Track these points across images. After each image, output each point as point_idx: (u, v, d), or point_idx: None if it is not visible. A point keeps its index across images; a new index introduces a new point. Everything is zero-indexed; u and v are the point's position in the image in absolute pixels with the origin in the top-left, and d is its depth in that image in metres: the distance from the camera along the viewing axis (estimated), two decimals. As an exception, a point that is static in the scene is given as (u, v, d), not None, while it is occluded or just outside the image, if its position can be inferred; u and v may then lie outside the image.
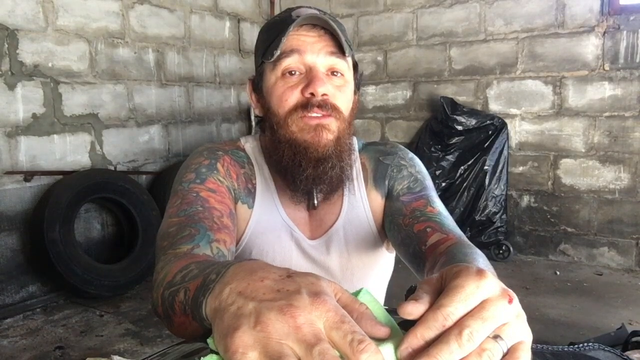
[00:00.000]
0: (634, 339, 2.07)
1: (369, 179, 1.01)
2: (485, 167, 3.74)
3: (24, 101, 3.00)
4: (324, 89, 0.85)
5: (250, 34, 4.48)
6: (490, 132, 3.76)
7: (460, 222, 3.66)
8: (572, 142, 3.63)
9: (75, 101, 3.26)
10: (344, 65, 0.89)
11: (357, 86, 0.96)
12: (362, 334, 0.37)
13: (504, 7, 3.75)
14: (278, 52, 0.86)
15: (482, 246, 3.55)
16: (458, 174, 3.82)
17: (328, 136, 0.87)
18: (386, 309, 0.44)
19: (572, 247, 3.71)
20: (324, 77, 0.86)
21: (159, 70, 3.77)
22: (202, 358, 0.41)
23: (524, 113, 3.77)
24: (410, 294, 0.44)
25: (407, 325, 0.40)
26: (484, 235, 3.76)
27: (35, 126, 3.07)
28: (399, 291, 0.60)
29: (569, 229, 3.71)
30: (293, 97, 0.87)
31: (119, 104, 3.52)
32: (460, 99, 3.94)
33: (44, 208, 2.93)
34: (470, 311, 0.39)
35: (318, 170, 0.88)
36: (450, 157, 3.86)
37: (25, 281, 3.07)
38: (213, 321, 0.43)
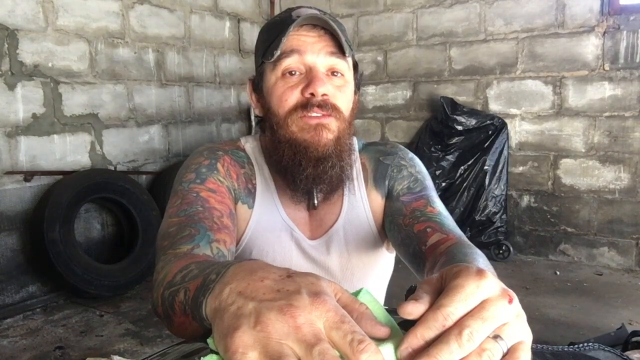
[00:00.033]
0: (634, 339, 2.07)
1: (369, 179, 1.01)
2: (485, 167, 3.74)
3: (24, 101, 3.00)
4: (324, 89, 0.85)
5: (250, 34, 4.48)
6: (490, 132, 3.76)
7: (460, 222, 3.66)
8: (572, 142, 3.63)
9: (75, 101, 3.26)
10: (344, 66, 0.89)
11: (357, 86, 0.96)
12: (362, 334, 0.37)
13: (504, 7, 3.75)
14: (278, 52, 0.86)
15: (482, 246, 3.55)
16: (458, 174, 3.82)
17: (328, 136, 0.87)
18: (386, 309, 0.44)
19: (572, 247, 3.71)
20: (324, 77, 0.86)
21: (159, 70, 3.77)
22: (202, 358, 0.41)
23: (524, 113, 3.77)
24: (410, 294, 0.44)
25: (407, 325, 0.40)
26: (484, 235, 3.76)
27: (35, 126, 3.07)
28: (399, 291, 0.60)
29: (569, 229, 3.71)
30: (293, 97, 0.87)
31: (119, 104, 3.52)
32: (460, 99, 3.94)
33: (44, 208, 2.93)
34: (470, 311, 0.39)
35: (318, 170, 0.88)
36: (450, 157, 3.86)
37: (25, 281, 3.07)
38: (213, 321, 0.43)
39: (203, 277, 0.52)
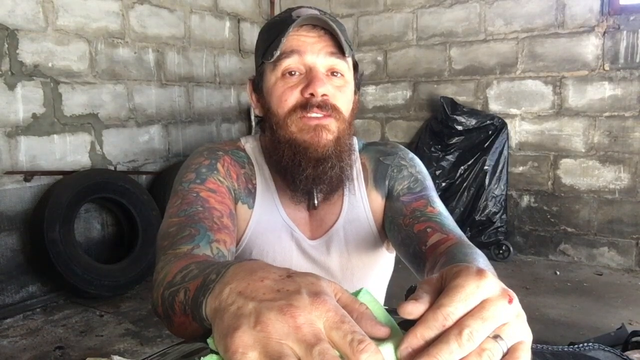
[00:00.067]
0: (634, 339, 2.07)
1: (369, 179, 1.01)
2: (485, 167, 3.74)
3: (24, 101, 3.00)
4: (324, 89, 0.85)
5: (250, 34, 4.48)
6: (490, 132, 3.76)
7: (460, 222, 3.66)
8: (572, 142, 3.63)
9: (75, 101, 3.26)
10: (344, 66, 0.89)
11: (357, 86, 0.96)
12: (362, 334, 0.37)
13: (504, 7, 3.75)
14: (278, 53, 0.86)
15: (482, 246, 3.55)
16: (458, 174, 3.82)
17: (328, 136, 0.87)
18: (386, 309, 0.44)
19: (572, 247, 3.71)
20: (323, 78, 0.86)
21: (159, 70, 3.77)
22: (202, 358, 0.41)
23: (524, 113, 3.77)
24: (410, 293, 0.44)
25: (407, 325, 0.40)
26: (484, 235, 3.76)
27: (35, 126, 3.07)
28: (399, 291, 0.60)
29: (569, 229, 3.71)
30: (293, 98, 0.87)
31: (119, 104, 3.52)
32: (460, 99, 3.94)
33: (44, 208, 2.93)
34: (470, 311, 0.39)
35: (318, 170, 0.88)
36: (450, 157, 3.86)
37: (25, 281, 3.07)
38: (213, 321, 0.43)
39: (203, 277, 0.52)
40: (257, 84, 0.94)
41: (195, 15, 4.02)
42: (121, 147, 3.55)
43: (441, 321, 0.39)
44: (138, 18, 3.60)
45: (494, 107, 3.86)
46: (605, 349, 0.62)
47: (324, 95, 0.86)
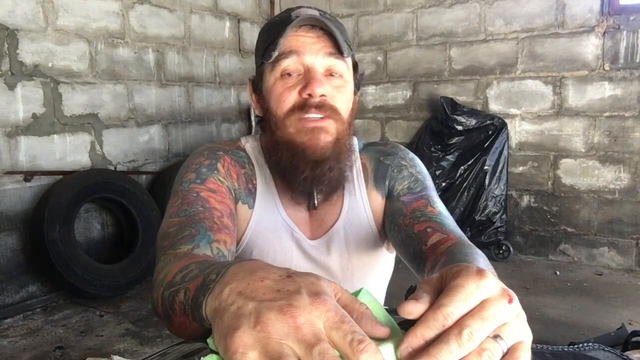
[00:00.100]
0: (634, 339, 2.07)
1: (369, 179, 1.00)
2: (485, 167, 3.74)
3: (24, 101, 3.00)
4: (322, 89, 0.85)
5: (250, 34, 4.48)
6: (490, 132, 3.76)
7: (460, 222, 3.66)
8: (572, 142, 3.63)
9: (75, 101, 3.26)
10: (343, 66, 0.89)
11: (357, 86, 0.96)
12: (362, 334, 0.37)
13: (504, 7, 3.75)
14: (276, 53, 0.86)
15: (482, 246, 3.55)
16: (458, 174, 3.82)
17: (326, 138, 0.87)
18: (386, 309, 0.44)
19: (572, 247, 3.71)
20: (322, 78, 0.86)
21: (159, 70, 3.77)
22: (202, 358, 0.41)
23: (524, 113, 3.77)
24: (410, 293, 0.44)
25: (407, 325, 0.40)
26: (484, 235, 3.76)
27: (35, 126, 3.07)
28: (399, 291, 0.60)
29: (569, 229, 3.71)
30: (291, 98, 0.87)
31: (119, 104, 3.52)
32: (460, 99, 3.94)
33: (44, 208, 2.93)
34: (470, 311, 0.39)
35: (316, 172, 0.88)
36: (450, 157, 3.86)
37: (25, 281, 3.07)
38: (213, 321, 0.43)
39: (203, 277, 0.52)
40: (257, 84, 0.94)
41: (195, 15, 4.02)
42: (121, 147, 3.55)
43: (441, 321, 0.39)
44: (138, 18, 3.60)
45: (494, 107, 3.86)
46: (605, 349, 0.62)
47: (322, 95, 0.86)
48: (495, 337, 0.39)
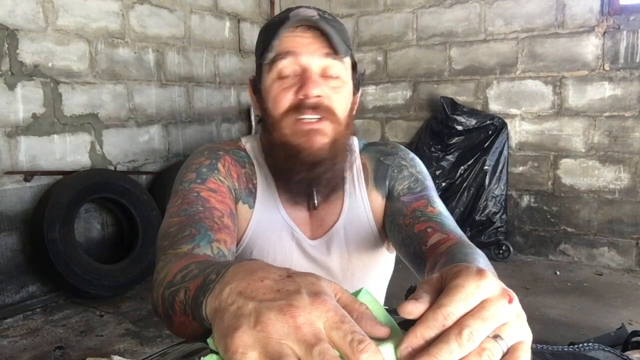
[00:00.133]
0: (634, 339, 2.07)
1: (369, 179, 1.00)
2: (485, 167, 3.74)
3: (24, 101, 3.00)
4: (318, 90, 0.85)
5: (250, 34, 4.48)
6: (490, 132, 3.76)
7: (460, 222, 3.66)
8: (572, 142, 3.63)
9: (75, 101, 3.26)
10: (340, 66, 0.88)
11: (357, 86, 0.96)
12: (362, 334, 0.37)
13: (504, 7, 3.75)
14: (272, 54, 0.86)
15: (482, 246, 3.54)
16: (458, 174, 3.82)
17: (322, 140, 0.86)
18: (386, 309, 0.44)
19: (572, 247, 3.71)
20: (317, 79, 0.86)
21: (159, 70, 3.77)
22: (202, 358, 0.41)
23: (524, 113, 3.77)
24: (410, 293, 0.44)
25: (407, 325, 0.40)
26: (484, 235, 3.76)
27: (35, 126, 3.07)
28: (399, 291, 0.60)
29: (569, 229, 3.71)
30: (287, 99, 0.87)
31: (119, 104, 3.52)
32: (460, 99, 3.94)
33: (44, 208, 2.93)
34: (470, 311, 0.39)
35: (311, 174, 0.88)
36: (450, 157, 3.86)
37: (25, 281, 3.07)
38: (213, 321, 0.43)
39: (203, 277, 0.52)
40: (256, 85, 0.94)
41: (195, 15, 4.02)
42: (121, 147, 3.55)
43: (441, 321, 0.39)
44: (138, 18, 3.60)
45: (494, 107, 3.86)
46: (605, 349, 0.62)
47: (317, 96, 0.85)
48: (495, 337, 0.39)
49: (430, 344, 0.38)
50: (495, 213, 3.75)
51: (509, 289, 0.42)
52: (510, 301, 0.40)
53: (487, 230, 3.76)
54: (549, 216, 3.78)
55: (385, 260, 1.04)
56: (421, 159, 1.07)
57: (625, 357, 0.62)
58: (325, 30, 0.85)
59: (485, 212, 3.75)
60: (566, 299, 3.04)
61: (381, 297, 1.09)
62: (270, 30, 0.89)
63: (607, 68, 3.45)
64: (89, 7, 3.29)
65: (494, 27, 3.80)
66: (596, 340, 2.03)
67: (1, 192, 2.93)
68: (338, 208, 0.99)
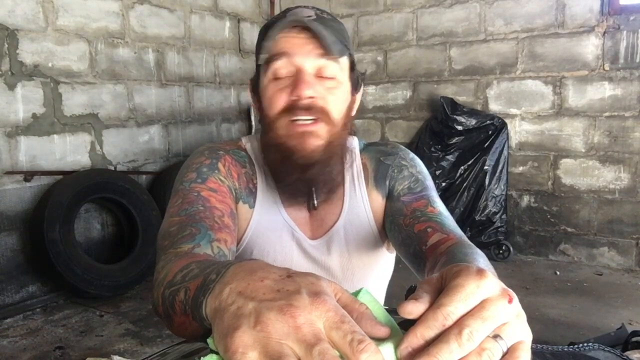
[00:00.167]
0: (634, 339, 2.07)
1: (369, 179, 1.00)
2: (485, 167, 3.74)
3: (24, 101, 3.00)
4: (311, 91, 0.84)
5: (250, 34, 4.48)
6: (490, 132, 3.76)
7: (460, 222, 3.66)
8: (572, 142, 3.63)
9: (75, 101, 3.26)
10: (336, 67, 0.88)
11: (355, 86, 0.95)
12: (362, 334, 0.37)
13: (504, 7, 3.75)
14: (267, 55, 0.87)
15: (482, 246, 3.54)
16: (458, 174, 3.82)
17: (316, 142, 0.86)
18: (386, 309, 0.44)
19: (572, 247, 3.71)
20: (311, 79, 0.85)
21: (159, 70, 3.77)
22: (202, 358, 0.41)
23: (524, 113, 3.77)
24: (410, 293, 0.44)
25: (407, 325, 0.40)
26: (484, 235, 3.76)
27: (35, 126, 3.07)
28: (399, 291, 0.60)
29: (569, 229, 3.71)
30: (281, 100, 0.86)
31: (119, 104, 3.52)
32: (460, 99, 3.94)
33: (44, 208, 2.93)
34: (470, 311, 0.39)
35: (305, 176, 0.88)
36: (450, 157, 3.86)
37: (25, 281, 3.07)
38: (213, 321, 0.43)
39: (203, 276, 0.52)
40: (255, 85, 0.95)
41: (195, 15, 4.02)
42: (121, 147, 3.55)
43: (441, 321, 0.39)
44: (138, 18, 3.60)
45: (494, 107, 3.86)
46: (605, 349, 0.62)
47: (310, 97, 0.85)
48: (495, 336, 0.39)
49: (430, 344, 0.38)
50: (495, 213, 3.75)
51: (509, 289, 0.42)
52: (510, 301, 0.40)
53: (487, 230, 3.76)
54: (549, 216, 3.78)
55: (385, 260, 1.04)
56: (421, 159, 1.07)
57: (625, 357, 0.62)
58: (316, 31, 0.84)
59: (485, 212, 3.75)
60: (566, 299, 3.04)
61: (381, 297, 1.09)
62: (267, 31, 0.89)
63: (607, 68, 3.45)
64: (89, 7, 3.29)
65: (494, 27, 3.80)
66: (596, 340, 2.03)
67: (1, 192, 2.93)
68: (338, 208, 0.99)
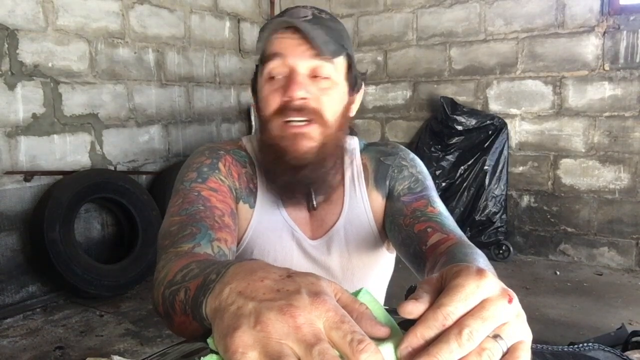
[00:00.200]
0: (634, 339, 2.07)
1: (370, 179, 1.00)
2: (485, 167, 3.74)
3: (24, 101, 3.00)
4: (302, 92, 0.84)
5: (250, 34, 4.48)
6: (490, 132, 3.76)
7: (460, 222, 3.66)
8: (572, 142, 3.63)
9: (75, 101, 3.26)
10: (330, 67, 0.87)
11: (353, 86, 0.94)
12: (361, 334, 0.37)
13: (504, 7, 3.75)
14: (263, 56, 0.88)
15: (482, 246, 3.55)
16: (458, 174, 3.82)
17: (309, 144, 0.86)
18: (386, 309, 0.44)
19: (572, 247, 3.71)
20: (303, 80, 0.85)
21: (159, 70, 3.77)
22: (202, 358, 0.41)
23: (524, 113, 3.77)
24: (410, 293, 0.44)
25: (407, 325, 0.40)
26: (484, 235, 3.76)
27: (35, 126, 3.07)
28: (399, 291, 0.60)
29: (569, 229, 3.71)
30: (275, 101, 0.87)
31: (119, 104, 3.52)
32: (460, 99, 3.94)
33: (44, 208, 2.93)
34: (470, 310, 0.39)
35: (296, 177, 0.88)
36: (450, 157, 3.86)
37: (25, 281, 3.07)
38: (213, 321, 0.43)
39: (203, 276, 0.52)
40: (255, 85, 0.95)
41: (195, 15, 4.02)
42: (121, 147, 3.55)
43: (441, 321, 0.39)
44: (138, 18, 3.60)
45: (494, 107, 3.86)
46: (605, 349, 0.62)
47: (302, 98, 0.85)
48: (495, 336, 0.39)
49: (430, 344, 0.38)
50: (495, 213, 3.75)
51: (509, 289, 0.42)
52: (510, 301, 0.40)
53: (487, 230, 3.76)
54: (549, 216, 3.78)
55: (385, 260, 1.04)
56: (421, 159, 1.07)
57: (625, 357, 0.62)
58: (305, 32, 0.83)
59: (485, 212, 3.75)
60: (566, 299, 3.04)
61: (381, 297, 1.09)
62: (263, 32, 0.89)
63: (607, 68, 3.45)
64: (89, 7, 3.29)
65: (494, 27, 3.80)
66: (596, 340, 2.03)
67: (1, 192, 2.93)
68: (338, 208, 0.99)
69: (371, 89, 4.35)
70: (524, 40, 3.70)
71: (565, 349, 0.61)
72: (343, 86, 0.91)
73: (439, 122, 3.89)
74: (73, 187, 3.04)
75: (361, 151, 1.03)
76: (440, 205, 0.93)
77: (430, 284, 0.43)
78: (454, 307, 0.39)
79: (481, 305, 0.39)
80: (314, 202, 0.95)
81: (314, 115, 0.86)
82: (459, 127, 3.79)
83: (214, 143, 1.01)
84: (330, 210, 0.98)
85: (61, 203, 2.96)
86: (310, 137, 0.86)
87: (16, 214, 3.01)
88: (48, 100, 3.12)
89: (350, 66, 0.93)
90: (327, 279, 0.43)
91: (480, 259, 0.73)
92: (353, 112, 0.98)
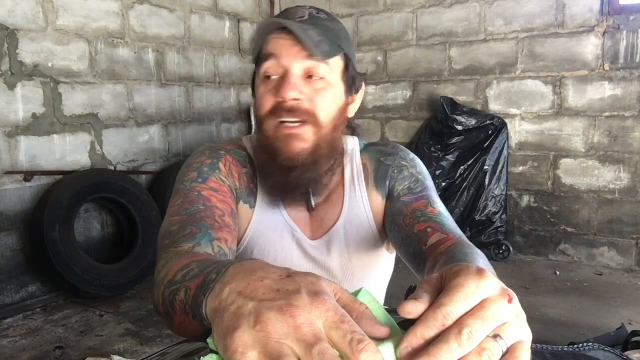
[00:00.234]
0: (634, 339, 2.07)
1: (370, 179, 1.00)
2: (485, 167, 3.74)
3: (24, 101, 3.00)
4: (295, 93, 0.84)
5: (250, 34, 4.47)
6: (490, 132, 3.76)
7: (460, 222, 3.66)
8: (572, 142, 3.63)
9: (75, 101, 3.26)
10: (325, 68, 0.87)
11: (351, 87, 0.93)
12: (361, 334, 0.37)
13: (504, 7, 3.75)
14: (258, 57, 0.88)
15: (482, 246, 3.55)
16: (458, 174, 3.82)
17: (302, 145, 0.86)
18: (386, 309, 0.44)
19: (572, 247, 3.71)
20: (297, 81, 0.85)
21: (159, 70, 3.77)
22: (202, 358, 0.41)
23: (524, 113, 3.77)
24: (410, 293, 0.44)
25: (407, 325, 0.40)
26: (484, 235, 3.76)
27: (35, 126, 3.07)
28: (399, 291, 0.60)
29: (569, 229, 3.71)
30: (269, 102, 0.87)
31: (119, 104, 3.52)
32: (460, 99, 3.94)
33: (44, 208, 2.93)
34: (470, 310, 0.39)
35: (288, 178, 0.88)
36: (450, 157, 3.86)
37: (25, 281, 3.07)
38: (213, 321, 0.43)
39: (203, 276, 0.52)
40: (253, 85, 0.95)
41: (195, 15, 4.02)
42: (121, 147, 3.55)
43: (441, 321, 0.39)
44: (138, 18, 3.60)
45: (494, 107, 3.86)
46: (605, 349, 0.62)
47: (295, 99, 0.85)
48: (495, 336, 0.39)
49: (430, 344, 0.38)
50: (495, 213, 3.75)
51: (509, 289, 0.42)
52: (510, 301, 0.40)
53: (487, 230, 3.76)
54: (549, 216, 3.78)
55: (385, 261, 1.05)
56: (421, 159, 1.07)
57: (625, 357, 0.62)
58: (297, 33, 0.83)
59: (485, 212, 3.75)
60: (566, 299, 3.04)
61: (381, 297, 1.09)
62: (257, 32, 0.89)
63: (607, 68, 3.45)
64: (89, 7, 3.29)
65: (494, 27, 3.80)
66: (596, 340, 2.03)
67: (1, 192, 2.93)
68: (338, 208, 0.99)
69: (371, 89, 4.35)
70: (524, 40, 3.70)
71: (565, 349, 0.61)
72: (339, 87, 0.90)
73: (439, 122, 3.89)
74: (73, 187, 3.04)
75: (361, 151, 1.03)
76: (440, 206, 0.93)
77: (430, 284, 0.43)
78: (454, 307, 0.39)
79: (481, 305, 0.39)
80: (313, 203, 0.95)
81: (307, 117, 0.86)
82: (459, 127, 3.80)
83: (214, 143, 1.01)
84: (330, 211, 0.99)
85: (61, 203, 2.96)
86: (304, 139, 0.86)
87: (16, 214, 3.01)
88: (48, 100, 3.12)
89: (347, 66, 0.92)
90: (327, 279, 0.43)
91: (480, 259, 0.73)
92: (352, 112, 0.97)
